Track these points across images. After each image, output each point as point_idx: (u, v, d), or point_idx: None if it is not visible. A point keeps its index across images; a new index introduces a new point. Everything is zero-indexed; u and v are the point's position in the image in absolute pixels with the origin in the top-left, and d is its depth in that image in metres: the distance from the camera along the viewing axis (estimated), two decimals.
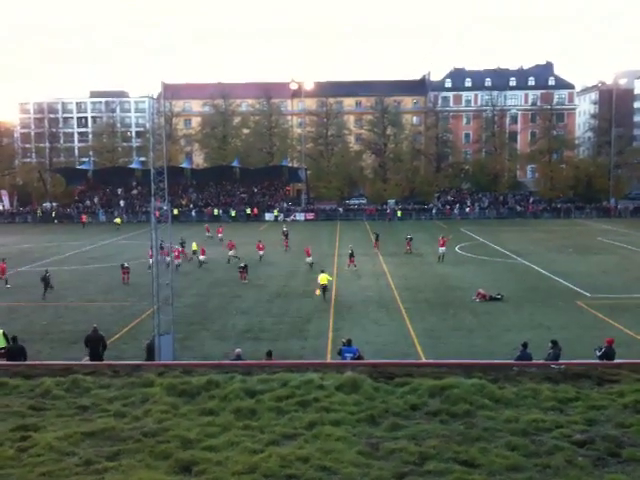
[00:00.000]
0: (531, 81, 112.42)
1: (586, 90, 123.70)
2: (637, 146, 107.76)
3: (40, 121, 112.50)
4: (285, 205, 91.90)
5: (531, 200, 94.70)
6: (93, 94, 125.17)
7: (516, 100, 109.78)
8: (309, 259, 43.34)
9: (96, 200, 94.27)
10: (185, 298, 32.84)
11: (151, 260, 22.88)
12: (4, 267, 38.54)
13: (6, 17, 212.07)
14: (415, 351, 23.61)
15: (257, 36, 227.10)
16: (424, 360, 20.83)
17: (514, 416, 9.30)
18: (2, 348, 20.38)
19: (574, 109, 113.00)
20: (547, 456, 8.01)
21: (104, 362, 18.36)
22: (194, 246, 47.73)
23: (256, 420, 9.44)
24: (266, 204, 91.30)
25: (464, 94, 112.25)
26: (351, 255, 42.56)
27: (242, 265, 39.03)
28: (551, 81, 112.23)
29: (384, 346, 24.13)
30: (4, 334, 20.75)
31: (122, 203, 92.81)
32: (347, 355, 18.00)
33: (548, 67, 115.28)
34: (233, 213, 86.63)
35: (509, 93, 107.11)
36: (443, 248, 46.02)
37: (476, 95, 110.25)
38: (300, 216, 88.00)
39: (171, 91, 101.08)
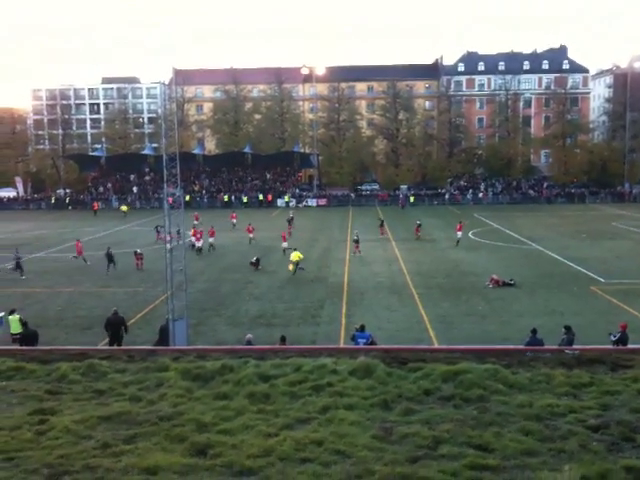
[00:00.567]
0: (545, 65, 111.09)
1: (601, 74, 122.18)
2: None
3: (53, 108, 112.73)
4: (297, 191, 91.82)
5: (545, 185, 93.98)
6: (105, 80, 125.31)
7: (530, 84, 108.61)
8: (284, 244, 42.95)
9: (109, 186, 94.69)
10: (198, 284, 32.98)
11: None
12: (80, 246, 40.73)
13: (6, 17, 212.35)
14: (428, 336, 23.60)
15: (260, 30, 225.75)
16: (437, 346, 20.83)
17: (528, 401, 9.31)
18: (18, 334, 20.66)
19: (588, 93, 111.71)
20: (561, 441, 8.02)
21: (120, 347, 18.58)
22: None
23: (270, 404, 9.51)
24: (278, 190, 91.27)
25: (477, 78, 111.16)
26: (356, 242, 42.50)
27: (253, 261, 38.27)
28: (565, 65, 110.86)
29: (397, 332, 24.13)
30: (20, 320, 21.02)
31: (135, 189, 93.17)
32: (360, 341, 17.96)
33: (562, 51, 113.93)
34: (245, 199, 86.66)
35: (523, 77, 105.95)
36: (460, 232, 46.20)
37: (489, 79, 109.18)
38: (312, 202, 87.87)
39: (183, 77, 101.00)
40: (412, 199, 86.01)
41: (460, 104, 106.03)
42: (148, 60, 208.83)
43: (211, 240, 45.58)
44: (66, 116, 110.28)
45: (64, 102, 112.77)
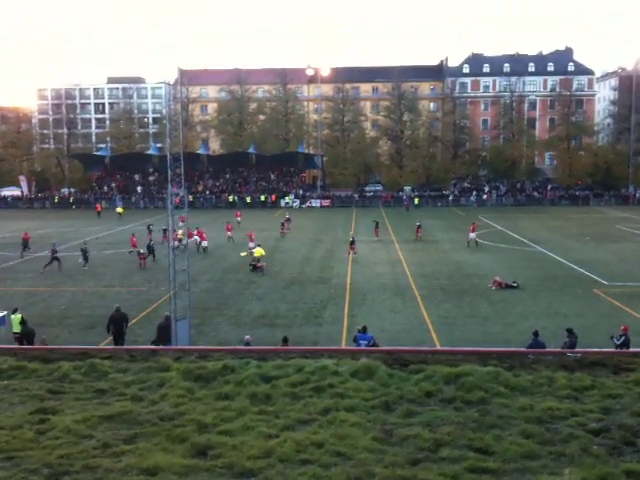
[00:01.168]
0: (550, 67, 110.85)
1: (606, 76, 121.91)
2: None
3: (58, 107, 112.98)
4: (301, 192, 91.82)
5: (549, 187, 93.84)
6: (110, 80, 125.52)
7: (535, 86, 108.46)
8: (251, 244, 42.65)
9: (113, 186, 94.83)
10: (200, 283, 33.03)
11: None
12: (134, 240, 43.27)
13: (6, 17, 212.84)
14: (430, 338, 23.58)
15: (265, 31, 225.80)
16: (439, 347, 20.80)
17: (529, 404, 9.27)
18: (18, 333, 20.78)
19: (593, 95, 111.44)
20: (562, 444, 7.98)
21: (121, 347, 18.59)
22: (181, 233, 46.94)
23: (271, 405, 9.50)
24: (282, 191, 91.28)
25: (482, 80, 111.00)
26: (352, 243, 42.63)
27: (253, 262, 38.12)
28: (570, 67, 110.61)
29: (399, 333, 24.13)
30: (22, 319, 21.07)
31: (139, 189, 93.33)
32: (362, 342, 17.97)
33: (568, 53, 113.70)
34: (248, 199, 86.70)
35: (528, 79, 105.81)
36: (473, 234, 46.28)
37: (494, 81, 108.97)
38: (316, 203, 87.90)
39: (187, 77, 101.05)
40: (417, 201, 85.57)
41: (465, 106, 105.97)
42: (150, 60, 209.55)
43: (204, 244, 45.00)
44: (71, 115, 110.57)
45: (69, 102, 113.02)
